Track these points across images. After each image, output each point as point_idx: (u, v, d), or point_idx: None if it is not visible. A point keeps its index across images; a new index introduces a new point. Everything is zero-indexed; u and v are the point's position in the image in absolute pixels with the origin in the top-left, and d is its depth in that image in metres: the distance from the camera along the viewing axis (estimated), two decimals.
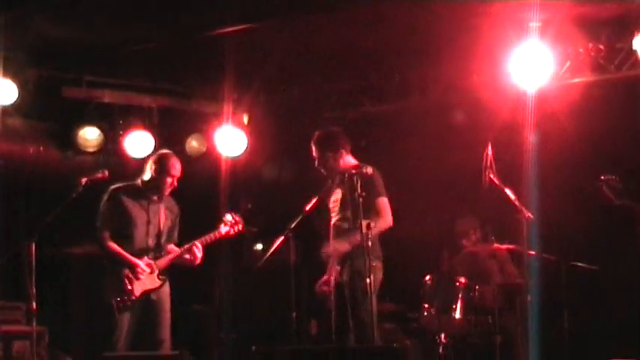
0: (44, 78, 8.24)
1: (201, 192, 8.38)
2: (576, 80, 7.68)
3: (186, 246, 6.69)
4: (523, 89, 7.33)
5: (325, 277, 6.65)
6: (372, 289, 6.07)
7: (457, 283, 7.43)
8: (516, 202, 6.62)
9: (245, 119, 9.10)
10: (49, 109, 8.45)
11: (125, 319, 6.49)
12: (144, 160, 6.99)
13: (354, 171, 6.29)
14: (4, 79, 7.70)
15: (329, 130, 6.85)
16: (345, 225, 6.51)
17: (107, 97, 8.66)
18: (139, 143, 8.57)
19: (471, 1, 6.85)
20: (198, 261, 6.69)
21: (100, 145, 8.62)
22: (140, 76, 8.75)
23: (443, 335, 7.36)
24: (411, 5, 6.93)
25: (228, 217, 6.84)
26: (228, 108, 8.79)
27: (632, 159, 7.60)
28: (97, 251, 6.71)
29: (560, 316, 7.02)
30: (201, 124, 9.05)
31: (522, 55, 7.23)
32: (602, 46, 7.51)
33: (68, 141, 8.59)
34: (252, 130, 9.02)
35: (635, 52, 7.21)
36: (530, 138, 7.22)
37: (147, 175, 6.70)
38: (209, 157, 8.94)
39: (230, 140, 8.80)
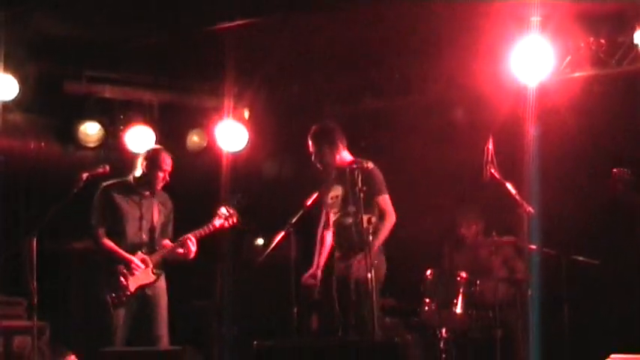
0: (45, 73, 8.23)
1: (201, 187, 8.37)
2: (577, 75, 7.67)
3: (180, 239, 6.69)
4: (524, 84, 7.32)
5: (312, 270, 6.67)
6: (374, 285, 6.07)
7: (458, 278, 7.43)
8: (517, 197, 6.63)
9: (246, 114, 9.09)
10: (49, 105, 8.46)
11: (120, 315, 6.49)
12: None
13: (354, 165, 6.30)
14: (4, 75, 7.69)
15: (325, 124, 6.84)
16: (349, 220, 6.51)
17: (108, 92, 8.67)
18: (139, 138, 8.55)
19: None
20: (192, 255, 6.66)
21: (101, 140, 8.63)
22: (141, 71, 8.74)
23: (444, 330, 7.37)
24: (411, 4, 6.93)
25: (223, 210, 6.83)
26: (228, 103, 8.77)
27: (632, 153, 7.59)
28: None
29: (561, 311, 7.01)
30: (201, 119, 9.03)
31: (523, 50, 7.22)
32: (602, 41, 7.51)
33: (69, 136, 8.61)
34: (253, 125, 9.01)
35: (635, 46, 7.21)
36: (531, 133, 7.22)
37: (138, 171, 6.71)
38: (210, 152, 8.93)
39: (231, 135, 8.78)
